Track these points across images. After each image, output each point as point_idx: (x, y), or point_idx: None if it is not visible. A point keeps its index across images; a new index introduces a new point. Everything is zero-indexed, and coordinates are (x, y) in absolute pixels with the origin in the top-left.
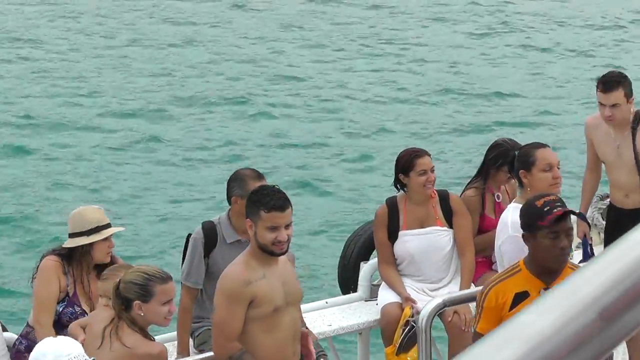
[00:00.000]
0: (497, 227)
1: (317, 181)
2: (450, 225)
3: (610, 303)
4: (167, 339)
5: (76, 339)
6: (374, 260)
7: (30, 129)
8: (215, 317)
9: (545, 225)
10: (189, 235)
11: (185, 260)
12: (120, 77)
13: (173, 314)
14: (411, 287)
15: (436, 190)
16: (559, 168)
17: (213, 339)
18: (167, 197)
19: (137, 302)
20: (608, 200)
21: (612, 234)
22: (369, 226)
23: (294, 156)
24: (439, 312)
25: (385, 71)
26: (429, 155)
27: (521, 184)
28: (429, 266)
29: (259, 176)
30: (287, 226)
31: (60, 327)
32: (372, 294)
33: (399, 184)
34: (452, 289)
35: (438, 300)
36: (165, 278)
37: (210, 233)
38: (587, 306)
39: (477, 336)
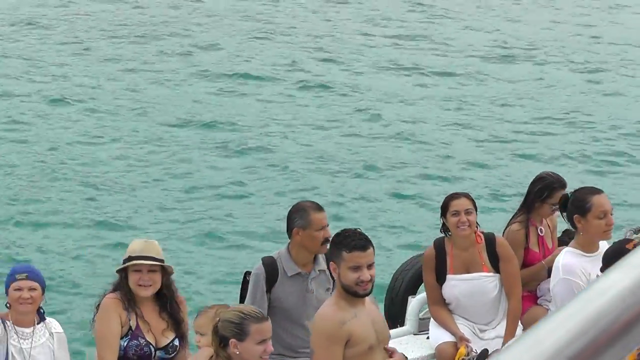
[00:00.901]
0: (552, 270)
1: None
2: (497, 270)
3: (575, 354)
4: None
5: None
6: (422, 295)
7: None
8: (315, 358)
9: None
10: (247, 272)
11: (248, 296)
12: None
13: (270, 353)
14: (462, 326)
15: (483, 233)
16: (612, 214)
17: None
18: (223, 233)
19: (233, 340)
20: None
21: None
22: (416, 260)
23: (336, 182)
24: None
25: None
26: (468, 197)
27: (574, 227)
28: (476, 309)
29: (319, 207)
30: (370, 266)
31: None
32: (421, 328)
33: (443, 227)
34: (499, 332)
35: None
36: (261, 318)
37: (271, 268)
38: (551, 357)
39: None
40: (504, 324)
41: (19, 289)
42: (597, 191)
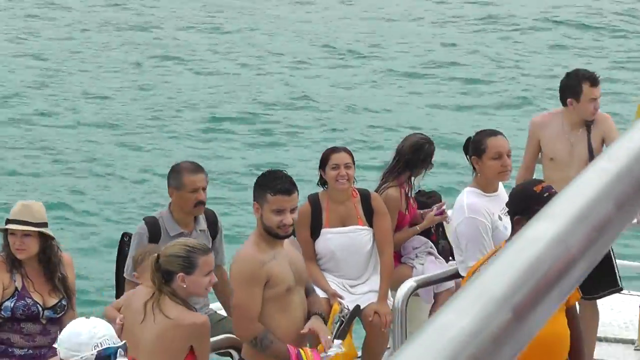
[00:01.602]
0: (454, 209)
1: None
2: (371, 225)
3: (520, 300)
4: None
5: (114, 320)
6: None
7: None
8: (236, 300)
9: None
10: (124, 234)
11: (130, 256)
12: None
13: (212, 284)
14: (332, 283)
15: (357, 189)
16: (509, 156)
17: (235, 322)
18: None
19: (180, 274)
20: None
21: None
22: None
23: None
24: (413, 293)
25: None
26: (347, 151)
27: (474, 168)
28: (349, 264)
29: (196, 169)
30: (293, 210)
31: (15, 322)
32: None
33: (320, 180)
34: (371, 286)
35: (411, 282)
36: (207, 250)
37: (153, 228)
38: (500, 304)
39: None
40: (374, 278)
41: None
42: (494, 133)
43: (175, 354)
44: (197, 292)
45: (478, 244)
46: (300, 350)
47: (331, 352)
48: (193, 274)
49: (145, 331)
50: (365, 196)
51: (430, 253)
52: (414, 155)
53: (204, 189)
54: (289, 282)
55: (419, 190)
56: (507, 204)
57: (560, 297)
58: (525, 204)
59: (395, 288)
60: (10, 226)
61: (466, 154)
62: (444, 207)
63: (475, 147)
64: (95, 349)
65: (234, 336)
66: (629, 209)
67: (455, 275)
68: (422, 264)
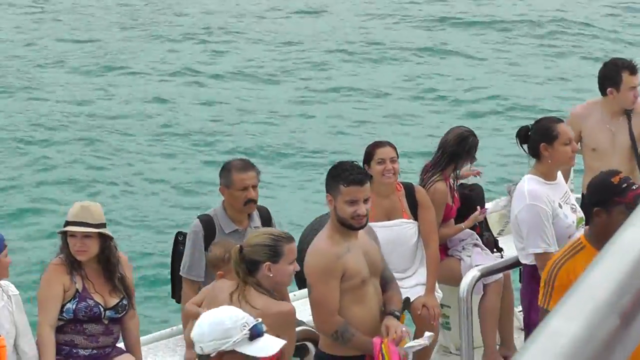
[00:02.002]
0: (514, 197)
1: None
2: (416, 218)
3: (626, 305)
4: (164, 335)
5: (196, 316)
6: None
7: None
8: (314, 295)
9: (626, 201)
10: (178, 233)
11: (186, 254)
12: None
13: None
14: None
15: (402, 183)
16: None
17: (315, 317)
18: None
19: (267, 263)
20: None
21: None
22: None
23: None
24: (477, 282)
25: None
26: (392, 145)
27: (537, 156)
28: (395, 257)
29: (246, 167)
30: (366, 200)
31: (77, 323)
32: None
33: None
34: (418, 279)
35: (474, 271)
36: (290, 238)
37: (208, 226)
38: (607, 310)
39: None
40: (421, 271)
41: (6, 256)
42: (560, 120)
43: None
44: (283, 280)
45: (539, 230)
46: (382, 344)
47: (418, 343)
48: (279, 263)
49: None
50: (409, 189)
51: (476, 245)
52: (459, 147)
53: (254, 186)
54: (364, 274)
55: (461, 183)
56: (587, 192)
57: None
58: (604, 195)
59: (443, 281)
60: (71, 228)
61: (521, 143)
62: (486, 211)
63: (545, 133)
64: (244, 328)
65: (309, 328)
66: None
67: (516, 263)
68: (470, 256)
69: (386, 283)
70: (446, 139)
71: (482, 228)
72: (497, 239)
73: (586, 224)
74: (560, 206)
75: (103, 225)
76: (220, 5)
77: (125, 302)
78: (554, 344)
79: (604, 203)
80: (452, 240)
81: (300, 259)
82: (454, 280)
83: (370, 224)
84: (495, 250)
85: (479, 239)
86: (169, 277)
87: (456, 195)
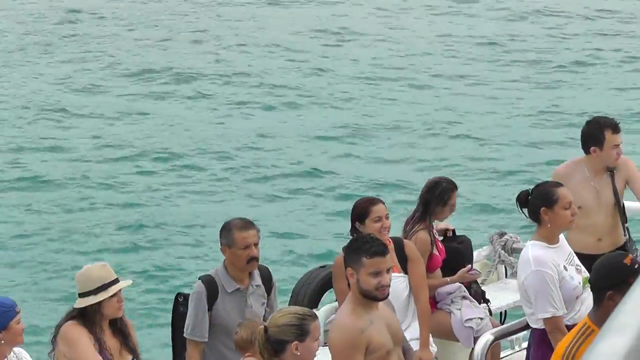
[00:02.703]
0: (519, 264)
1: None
2: (406, 272)
3: None
4: None
5: None
6: (327, 306)
7: None
8: None
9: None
10: (178, 294)
11: (190, 315)
12: None
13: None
14: None
15: (391, 238)
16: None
17: None
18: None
19: (295, 342)
20: (506, 236)
21: None
22: (317, 272)
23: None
24: (491, 345)
25: None
26: (383, 202)
27: (538, 220)
28: None
29: (246, 226)
30: (388, 270)
31: None
32: (325, 340)
33: (355, 232)
34: (412, 334)
35: (488, 335)
36: (315, 315)
37: (210, 286)
38: None
39: None
40: (414, 325)
41: (19, 323)
42: (560, 184)
43: None
44: (309, 358)
45: (547, 295)
46: None
47: None
48: (305, 341)
49: None
50: (399, 244)
51: (464, 297)
52: (429, 193)
53: (255, 244)
54: (388, 346)
55: (452, 235)
56: (594, 279)
57: None
58: (618, 278)
59: (434, 335)
60: (116, 287)
61: (521, 208)
62: (474, 271)
63: (545, 198)
64: None
65: None
66: None
67: (526, 327)
68: (459, 309)
69: (405, 352)
70: (422, 190)
71: (469, 281)
72: (484, 290)
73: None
74: (566, 268)
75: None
76: None
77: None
78: None
79: (618, 285)
80: (440, 294)
81: None
82: (445, 333)
83: None
84: (482, 301)
85: (466, 291)
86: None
87: (440, 245)
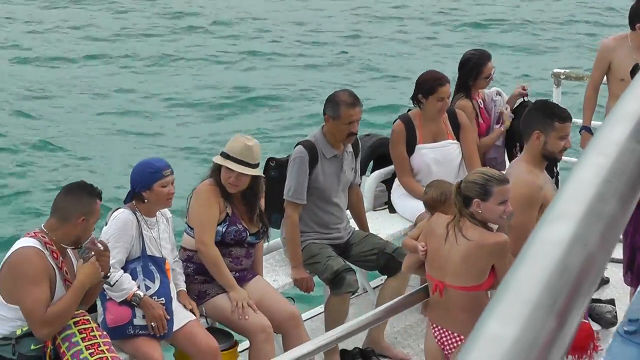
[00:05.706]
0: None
1: None
2: (459, 139)
3: (562, 306)
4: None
5: (414, 249)
6: (376, 172)
7: None
8: (514, 221)
9: None
10: (269, 158)
11: (291, 178)
12: None
13: (509, 214)
14: None
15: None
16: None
17: (512, 242)
18: None
19: (476, 200)
20: None
21: None
22: (363, 141)
23: None
24: None
25: None
26: (449, 82)
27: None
28: (443, 176)
29: (353, 103)
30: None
31: (224, 246)
32: (375, 204)
33: (416, 101)
34: None
35: None
36: (504, 180)
37: (312, 151)
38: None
39: None
40: None
41: (165, 186)
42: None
43: (480, 273)
44: (491, 218)
45: None
46: None
47: None
48: (488, 201)
49: (451, 253)
50: (452, 113)
51: None
52: (461, 71)
53: (358, 121)
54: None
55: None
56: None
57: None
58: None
59: None
60: (230, 165)
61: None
62: (527, 89)
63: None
64: None
65: None
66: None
67: None
68: None
69: None
70: (458, 65)
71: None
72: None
73: None
74: None
75: (258, 165)
76: None
77: (263, 229)
78: (495, 350)
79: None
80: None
81: None
82: None
83: (419, 145)
84: None
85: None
86: None
87: (484, 113)
